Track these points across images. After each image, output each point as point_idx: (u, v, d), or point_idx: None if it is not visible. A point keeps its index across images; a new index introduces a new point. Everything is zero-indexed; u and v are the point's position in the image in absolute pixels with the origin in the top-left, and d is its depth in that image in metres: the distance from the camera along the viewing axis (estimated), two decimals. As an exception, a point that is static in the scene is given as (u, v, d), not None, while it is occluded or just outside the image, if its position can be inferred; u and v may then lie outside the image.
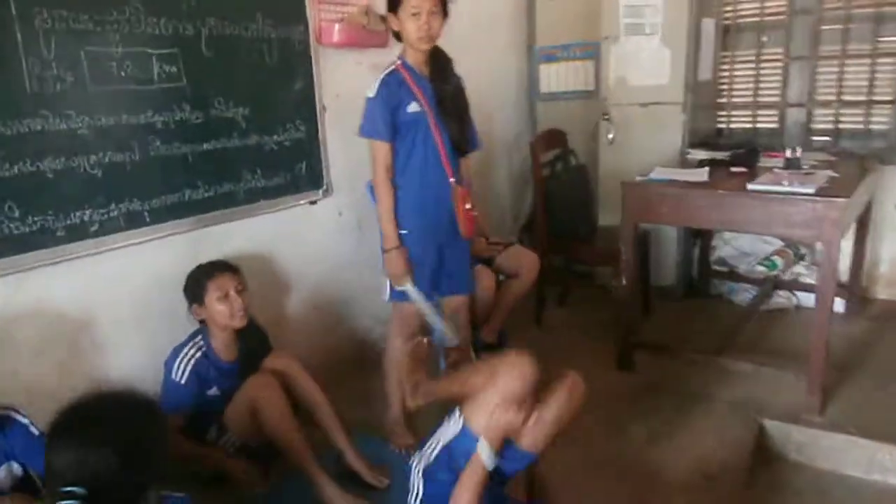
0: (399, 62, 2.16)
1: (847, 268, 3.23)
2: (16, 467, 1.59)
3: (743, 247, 3.52)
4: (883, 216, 3.30)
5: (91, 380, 1.97)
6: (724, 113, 3.75)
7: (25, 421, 1.61)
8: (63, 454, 1.06)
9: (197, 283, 2.04)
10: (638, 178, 2.69)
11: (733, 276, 3.57)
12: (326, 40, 2.57)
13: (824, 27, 3.39)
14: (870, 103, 3.34)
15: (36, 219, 1.80)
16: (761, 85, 3.62)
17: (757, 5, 3.54)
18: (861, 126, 3.39)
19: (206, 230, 2.28)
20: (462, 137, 2.23)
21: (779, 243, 3.46)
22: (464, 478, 1.60)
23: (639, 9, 3.32)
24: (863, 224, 3.13)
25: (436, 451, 1.71)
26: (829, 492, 2.21)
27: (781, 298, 3.42)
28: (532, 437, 1.66)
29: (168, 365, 2.02)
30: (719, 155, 3.03)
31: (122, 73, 1.95)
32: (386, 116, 2.10)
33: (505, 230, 3.86)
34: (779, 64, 3.55)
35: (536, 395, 1.68)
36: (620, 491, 2.08)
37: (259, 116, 2.38)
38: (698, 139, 3.45)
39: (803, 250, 3.47)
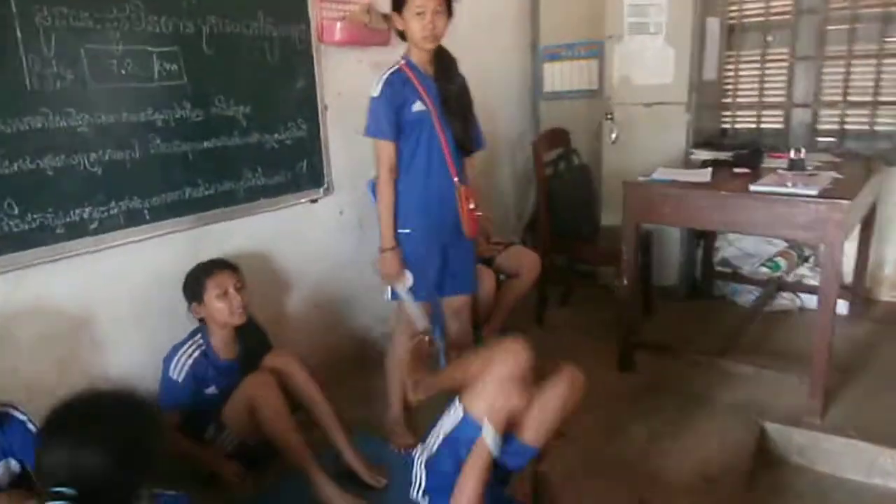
0: (403, 61, 2.16)
1: (851, 269, 3.21)
2: (14, 464, 1.59)
3: (746, 248, 3.50)
4: (888, 218, 3.27)
5: (90, 377, 1.98)
6: (728, 113, 3.73)
7: (24, 418, 1.61)
8: (54, 454, 1.06)
9: (196, 282, 2.05)
10: (640, 179, 2.68)
11: (737, 277, 3.55)
12: (328, 39, 2.57)
13: (830, 27, 3.37)
14: (876, 104, 3.32)
15: (35, 216, 1.80)
16: (766, 85, 3.60)
17: (762, 4, 3.52)
18: (867, 127, 3.37)
19: (207, 228, 2.28)
20: (466, 137, 2.23)
21: (783, 244, 3.44)
22: (468, 464, 1.62)
23: (643, 8, 3.30)
24: (867, 225, 3.10)
25: (438, 442, 1.73)
26: (830, 495, 2.20)
27: (785, 300, 3.41)
28: (533, 430, 1.68)
29: (166, 362, 2.03)
30: (723, 155, 3.01)
31: (123, 71, 1.95)
32: (390, 115, 2.09)
33: (508, 229, 3.85)
34: (784, 64, 3.53)
35: (534, 383, 1.69)
36: (620, 492, 2.07)
37: (260, 115, 2.38)
38: (702, 139, 3.44)
39: (807, 252, 3.45)
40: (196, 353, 2.04)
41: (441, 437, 1.73)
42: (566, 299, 3.65)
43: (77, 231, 1.90)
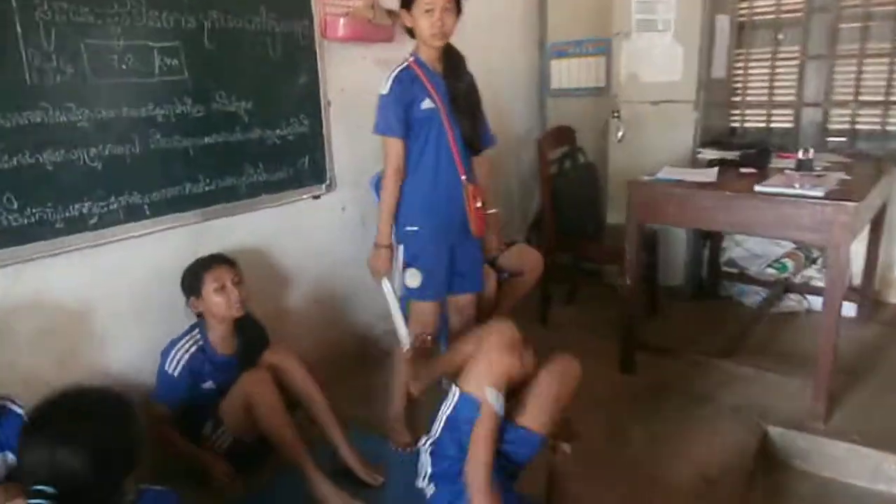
0: (412, 58, 2.15)
1: (860, 271, 3.17)
2: (10, 457, 1.59)
3: (753, 248, 3.47)
4: (898, 219, 3.22)
5: (90, 371, 1.98)
6: (737, 112, 3.68)
7: (21, 411, 1.61)
8: (35, 453, 1.06)
9: (194, 276, 2.06)
10: (645, 178, 2.65)
11: (743, 277, 3.52)
12: (331, 34, 2.56)
13: (842, 25, 3.32)
14: (888, 104, 3.26)
15: (35, 211, 1.81)
16: (776, 84, 3.55)
17: (773, 2, 3.47)
18: (878, 127, 3.32)
19: (208, 224, 2.28)
20: (475, 134, 2.23)
21: (790, 245, 3.40)
22: (476, 430, 1.65)
23: (651, 4, 3.27)
24: (877, 226, 3.06)
25: (440, 427, 1.77)
26: (833, 501, 2.18)
27: (792, 302, 3.37)
28: (533, 415, 1.71)
29: (163, 356, 2.03)
30: (730, 155, 2.98)
31: (123, 66, 1.95)
32: (399, 113, 2.09)
33: (513, 228, 3.83)
34: (795, 62, 3.48)
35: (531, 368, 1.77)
36: (619, 492, 2.06)
37: (262, 110, 2.37)
38: (711, 138, 3.40)
39: (815, 253, 3.41)
40: (193, 348, 2.04)
41: (442, 420, 1.77)
42: (571, 298, 3.63)
43: (76, 226, 1.90)
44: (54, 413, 1.12)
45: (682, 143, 3.32)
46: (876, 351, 2.90)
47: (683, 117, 3.32)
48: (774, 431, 2.35)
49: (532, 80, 3.98)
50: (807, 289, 3.36)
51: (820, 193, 2.22)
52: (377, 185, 2.49)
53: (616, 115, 3.47)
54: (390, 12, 2.69)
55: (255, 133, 2.36)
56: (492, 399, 1.66)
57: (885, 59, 3.24)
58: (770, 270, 3.36)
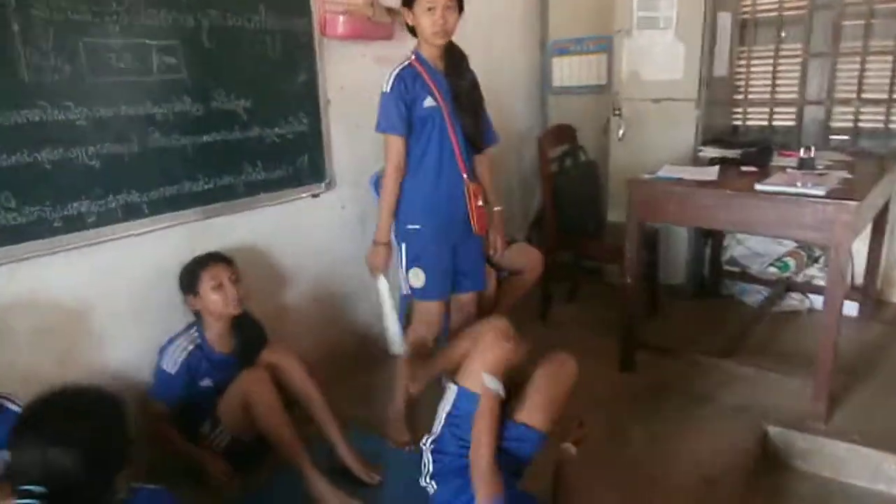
0: (413, 56, 2.15)
1: (862, 270, 3.16)
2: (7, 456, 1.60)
3: (755, 247, 3.45)
4: (901, 218, 3.21)
5: (89, 370, 1.99)
6: (739, 110, 3.66)
7: (19, 410, 1.62)
8: (24, 452, 1.06)
9: (191, 274, 2.06)
10: (645, 176, 2.64)
11: (745, 276, 3.51)
12: (331, 32, 2.55)
13: (845, 22, 3.29)
14: (891, 102, 3.24)
15: (33, 209, 1.81)
16: (779, 81, 3.53)
17: (776, -1, 3.45)
18: (881, 125, 3.29)
19: (207, 222, 2.28)
20: (477, 132, 2.23)
21: (792, 244, 3.39)
22: (478, 414, 1.69)
23: (653, 2, 3.25)
24: (879, 225, 3.04)
25: (440, 424, 1.81)
26: (832, 501, 2.17)
27: (794, 301, 3.36)
28: (531, 412, 1.74)
29: (161, 354, 2.04)
30: (732, 153, 2.97)
31: (121, 65, 1.95)
32: (401, 111, 2.09)
33: (514, 226, 3.82)
34: (797, 60, 3.46)
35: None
36: (619, 492, 2.06)
37: (261, 109, 2.37)
38: (712, 136, 3.38)
39: (817, 252, 3.39)
40: (191, 346, 2.04)
41: (443, 418, 1.81)
42: (572, 296, 3.63)
43: (75, 224, 1.90)
44: (44, 412, 1.12)
45: (684, 142, 3.31)
46: (878, 350, 2.89)
47: (685, 115, 3.30)
48: (775, 431, 2.34)
49: (533, 78, 3.97)
50: (809, 288, 3.35)
51: (821, 192, 2.21)
52: (377, 183, 2.49)
53: (617, 112, 3.46)
54: (390, 10, 2.69)
55: (254, 131, 2.36)
56: (489, 383, 1.70)
57: (889, 57, 3.21)
58: (772, 269, 3.35)
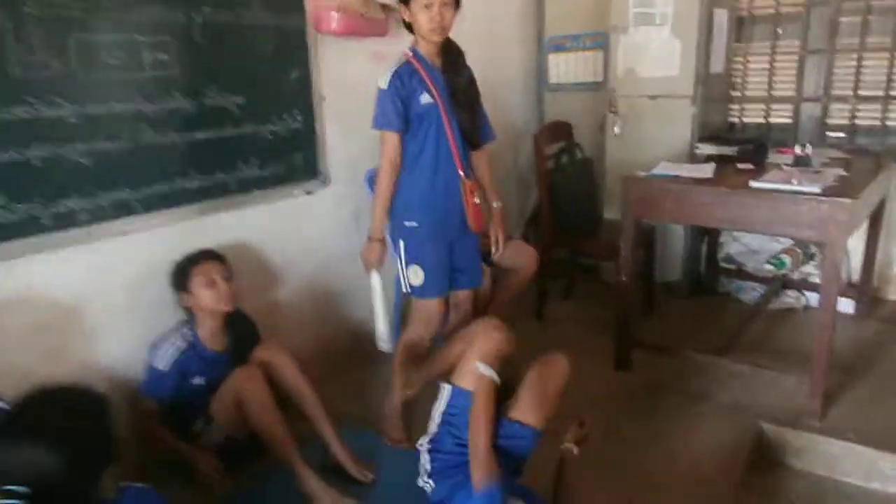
0: (410, 53, 2.15)
1: (858, 267, 3.15)
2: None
3: (751, 244, 3.44)
4: (897, 215, 3.20)
5: (81, 367, 1.97)
6: (736, 107, 3.66)
7: (8, 407, 1.61)
8: (6, 452, 1.05)
9: (183, 271, 2.05)
10: (640, 174, 2.63)
11: (741, 273, 3.50)
12: (324, 28, 2.53)
13: (842, 19, 3.29)
14: (888, 99, 3.23)
15: (23, 207, 1.79)
16: (775, 78, 3.52)
17: (773, -5, 3.44)
18: (878, 122, 3.29)
19: (200, 220, 2.27)
20: (474, 129, 2.23)
21: (788, 241, 3.38)
22: (474, 401, 1.72)
23: (649, -2, 3.24)
24: (876, 223, 3.04)
25: (436, 423, 1.83)
26: (826, 499, 2.16)
27: (790, 298, 3.35)
28: (522, 409, 1.76)
29: (152, 351, 2.03)
30: (728, 150, 2.96)
31: (112, 61, 1.93)
32: (398, 107, 2.09)
33: (510, 223, 3.80)
34: (794, 57, 3.45)
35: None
36: (613, 491, 2.06)
37: (254, 105, 2.35)
38: (709, 133, 3.37)
39: (813, 249, 3.39)
40: (182, 344, 2.03)
41: (438, 417, 1.83)
42: (568, 293, 3.62)
43: (65, 222, 1.89)
44: (26, 412, 1.11)
45: (680, 138, 3.30)
46: (874, 348, 2.88)
47: (681, 112, 3.29)
48: (769, 429, 2.33)
49: (530, 75, 3.96)
50: (805, 285, 3.35)
51: (816, 190, 2.20)
52: (371, 180, 2.48)
53: (613, 109, 3.45)
54: (384, 6, 2.68)
55: (247, 128, 2.34)
56: (483, 370, 1.73)
57: (885, 54, 3.21)
58: (768, 266, 3.34)
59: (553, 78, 3.91)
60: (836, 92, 3.37)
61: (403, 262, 2.23)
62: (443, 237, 2.21)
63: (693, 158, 3.02)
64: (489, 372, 1.74)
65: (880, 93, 3.25)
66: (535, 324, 3.28)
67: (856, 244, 3.10)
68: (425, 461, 1.82)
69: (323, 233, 2.75)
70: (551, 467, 1.82)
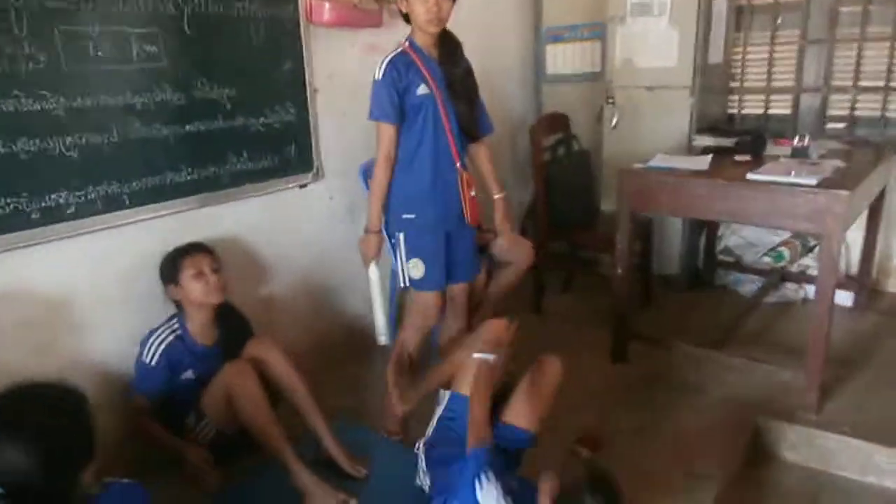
0: (407, 44, 2.13)
1: (857, 259, 3.13)
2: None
3: (749, 237, 3.42)
4: (897, 207, 3.17)
5: (70, 362, 1.96)
6: (735, 97, 3.62)
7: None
8: None
9: (172, 263, 2.04)
10: (636, 166, 2.61)
11: (740, 266, 3.48)
12: (317, 19, 2.50)
13: (842, 9, 3.25)
14: (888, 89, 3.20)
15: (9, 201, 1.77)
16: (775, 69, 3.49)
17: (772, -15, 3.40)
18: (878, 113, 3.25)
19: (191, 213, 2.25)
20: (471, 121, 2.21)
21: (787, 234, 3.36)
22: (473, 385, 1.76)
23: (647, -12, 3.20)
24: (875, 214, 3.01)
25: (434, 428, 1.87)
26: (821, 492, 2.15)
27: (789, 291, 3.33)
28: (515, 412, 1.81)
29: (141, 346, 2.02)
30: (726, 142, 2.93)
31: (99, 53, 1.91)
32: (394, 98, 2.07)
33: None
34: (794, 47, 3.42)
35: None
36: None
37: (245, 98, 2.32)
38: (707, 124, 3.34)
39: (812, 242, 3.36)
40: (170, 337, 2.02)
41: (436, 421, 1.88)
42: (566, 286, 3.60)
43: (53, 216, 1.87)
44: (2, 409, 1.10)
45: (678, 130, 3.27)
46: (872, 341, 2.86)
47: (679, 103, 3.26)
48: (765, 422, 2.33)
49: (527, 66, 3.92)
50: (804, 278, 3.32)
51: (813, 181, 2.18)
52: (366, 173, 2.46)
53: (610, 101, 3.42)
54: (378, -3, 2.65)
55: (238, 121, 2.32)
56: (479, 356, 1.79)
57: (886, 44, 3.17)
58: (766, 259, 3.33)
59: (550, 69, 3.87)
60: (836, 82, 3.34)
61: (403, 255, 2.22)
62: (441, 229, 2.20)
63: (691, 150, 2.99)
64: (484, 356, 1.80)
65: (881, 83, 3.21)
66: (534, 317, 3.27)
67: (855, 236, 3.08)
68: (422, 459, 1.83)
69: (317, 226, 2.73)
70: (551, 466, 1.82)
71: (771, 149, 2.82)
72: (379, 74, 2.08)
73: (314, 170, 2.65)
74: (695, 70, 3.21)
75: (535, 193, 3.37)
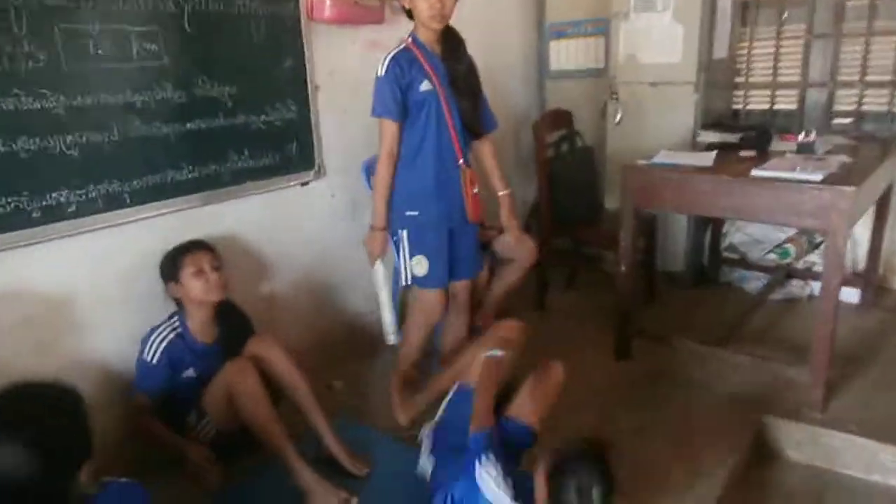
0: (410, 40, 2.13)
1: (864, 256, 3.10)
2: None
3: (755, 233, 3.40)
4: (904, 203, 3.14)
5: (71, 361, 1.97)
6: (740, 93, 3.59)
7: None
8: None
9: (172, 261, 2.04)
10: (640, 162, 2.59)
11: (745, 263, 3.46)
12: (318, 16, 2.49)
13: (849, 3, 3.21)
14: (895, 84, 3.16)
15: (10, 200, 1.77)
16: (781, 63, 3.45)
17: (778, -21, 3.36)
18: (885, 108, 3.22)
19: (192, 212, 2.24)
20: (475, 117, 2.21)
21: (792, 230, 3.33)
22: (479, 381, 1.84)
23: (651, -17, 3.18)
24: (882, 210, 2.98)
25: (441, 414, 1.95)
26: (825, 492, 2.13)
27: (794, 287, 3.31)
28: (517, 405, 1.84)
29: (142, 344, 2.01)
30: (731, 137, 2.91)
31: (99, 52, 1.90)
32: (396, 94, 2.07)
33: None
34: (800, 41, 3.38)
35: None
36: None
37: (246, 95, 2.32)
38: (712, 120, 3.32)
39: (818, 238, 3.33)
40: (171, 335, 2.02)
41: (443, 409, 1.96)
42: (570, 283, 3.59)
43: (54, 215, 1.87)
44: None
45: (682, 126, 3.25)
46: (878, 338, 2.84)
47: (683, 99, 3.23)
48: (770, 420, 2.31)
49: (530, 62, 3.90)
50: (810, 274, 3.30)
51: (817, 178, 2.15)
52: (368, 170, 2.46)
53: (614, 97, 3.39)
54: (379, -7, 2.64)
55: (239, 119, 2.32)
56: (487, 354, 1.89)
57: (893, 38, 3.13)
58: (772, 256, 3.30)
59: (554, 65, 3.85)
60: (842, 77, 3.30)
61: (407, 252, 2.22)
62: (445, 225, 2.20)
63: (695, 146, 2.97)
64: (491, 353, 1.89)
65: (888, 78, 3.17)
66: (537, 314, 3.25)
67: (862, 232, 3.05)
68: (427, 442, 1.89)
69: (319, 224, 2.72)
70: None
71: (776, 144, 2.79)
72: (382, 71, 2.08)
73: (315, 167, 2.64)
74: (699, 66, 3.18)
75: (538, 190, 3.36)
